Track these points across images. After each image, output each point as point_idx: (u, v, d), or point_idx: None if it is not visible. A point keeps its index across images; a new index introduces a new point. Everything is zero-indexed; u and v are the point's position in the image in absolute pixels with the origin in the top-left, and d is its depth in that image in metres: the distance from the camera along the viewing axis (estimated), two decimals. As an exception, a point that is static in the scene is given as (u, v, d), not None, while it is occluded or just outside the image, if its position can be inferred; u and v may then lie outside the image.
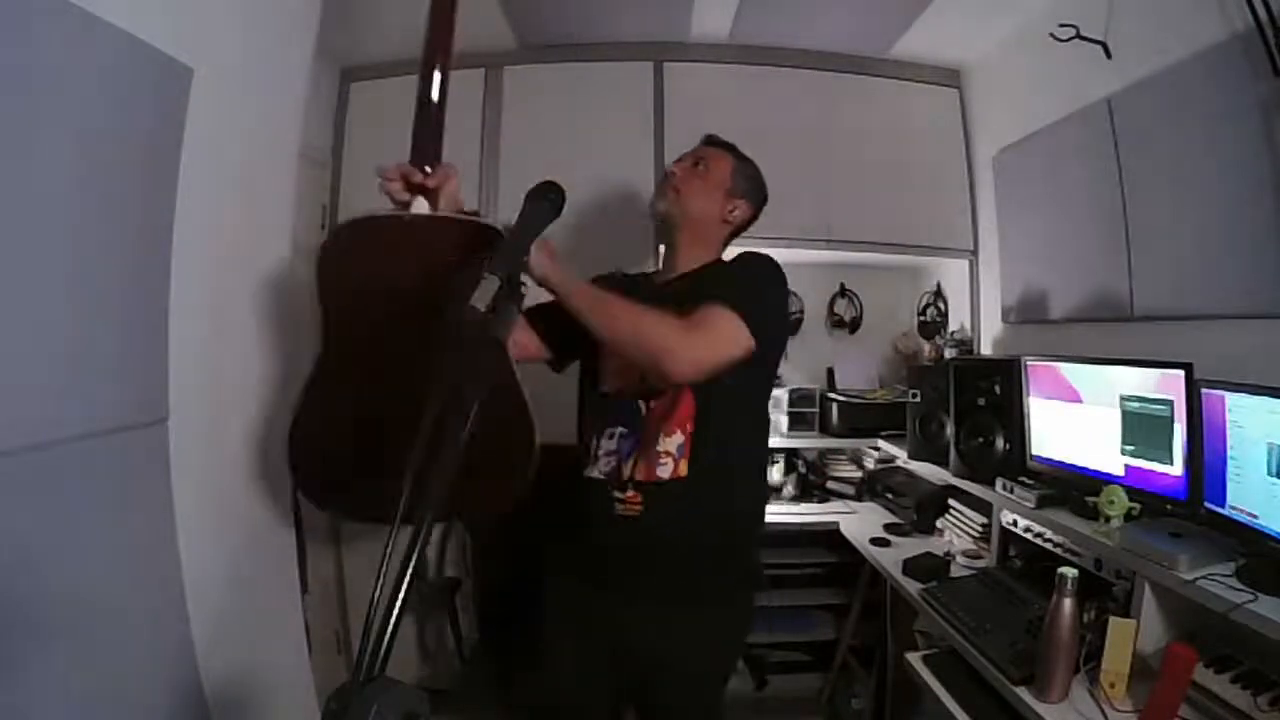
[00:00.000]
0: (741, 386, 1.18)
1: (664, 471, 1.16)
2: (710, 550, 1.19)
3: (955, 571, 1.83)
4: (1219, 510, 1.27)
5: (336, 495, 1.14)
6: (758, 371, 1.20)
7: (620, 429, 1.21)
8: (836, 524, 2.33)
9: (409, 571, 0.53)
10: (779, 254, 2.63)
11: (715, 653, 1.26)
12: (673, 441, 1.17)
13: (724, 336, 1.09)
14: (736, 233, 1.35)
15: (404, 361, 1.02)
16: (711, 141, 1.36)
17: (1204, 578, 1.16)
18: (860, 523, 2.32)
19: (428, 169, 1.05)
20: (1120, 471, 1.52)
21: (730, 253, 1.33)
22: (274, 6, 1.20)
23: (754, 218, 1.36)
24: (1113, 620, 1.24)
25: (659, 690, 1.24)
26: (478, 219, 1.07)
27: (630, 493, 1.16)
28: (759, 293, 1.18)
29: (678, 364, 1.07)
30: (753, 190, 1.34)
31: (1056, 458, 1.70)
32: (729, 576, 1.24)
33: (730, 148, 1.35)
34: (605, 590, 1.21)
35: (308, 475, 1.12)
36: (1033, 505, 1.62)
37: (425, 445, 0.67)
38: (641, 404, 1.20)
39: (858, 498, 2.56)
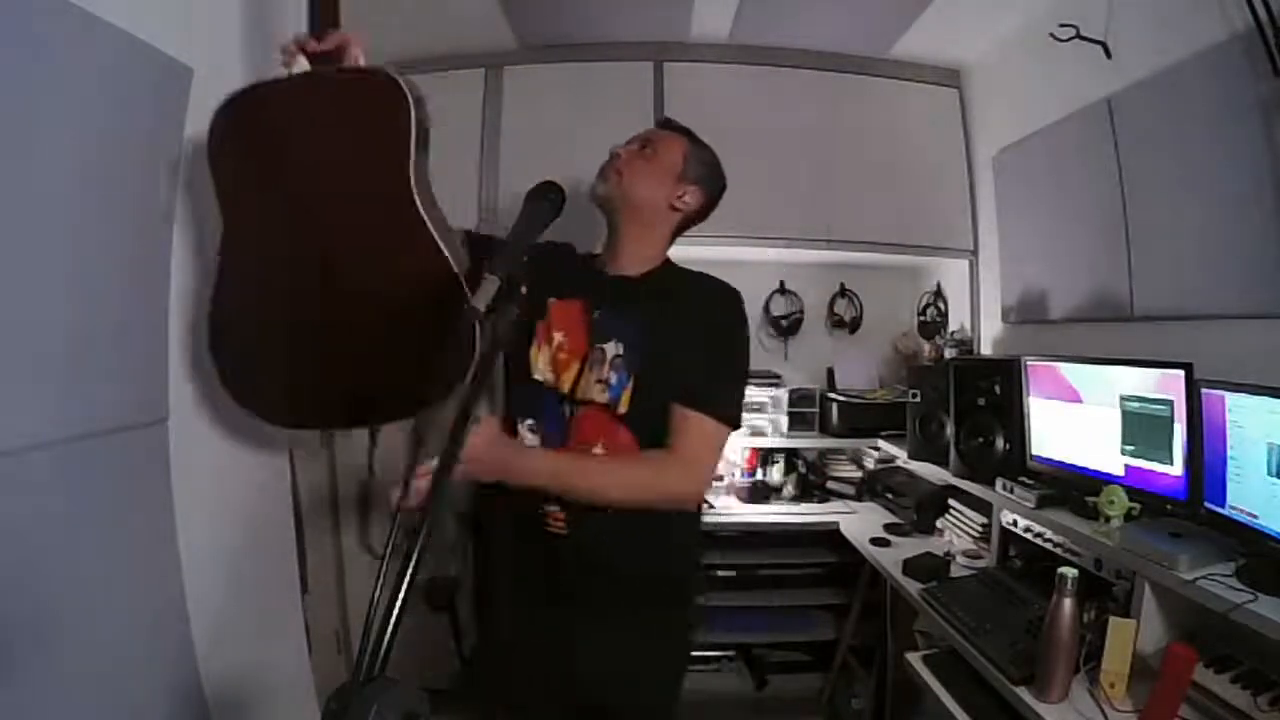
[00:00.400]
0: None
1: None
2: (643, 579, 1.14)
3: (955, 571, 1.83)
4: (1219, 510, 1.27)
5: (254, 394, 1.05)
6: None
7: (542, 425, 1.15)
8: (836, 524, 2.33)
9: (409, 571, 0.53)
10: (779, 254, 2.67)
11: (656, 669, 1.20)
12: None
13: (710, 449, 1.11)
14: (688, 223, 1.24)
15: (301, 236, 0.94)
16: (664, 124, 1.26)
17: (1204, 578, 1.16)
18: (860, 523, 2.32)
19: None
20: (1120, 471, 1.51)
21: (688, 255, 1.26)
22: (274, 6, 1.20)
23: (708, 207, 1.25)
24: (1113, 620, 1.24)
25: (606, 704, 1.18)
26: (362, 68, 0.98)
27: (555, 508, 1.11)
28: (733, 374, 1.15)
29: (684, 500, 1.14)
30: (707, 177, 1.22)
31: (1056, 458, 1.70)
32: (663, 599, 1.19)
33: (685, 131, 1.24)
34: (540, 604, 1.17)
35: (228, 372, 1.03)
36: (1033, 505, 1.62)
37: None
38: (567, 407, 1.13)
39: (858, 498, 2.55)
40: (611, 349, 1.11)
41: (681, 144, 1.22)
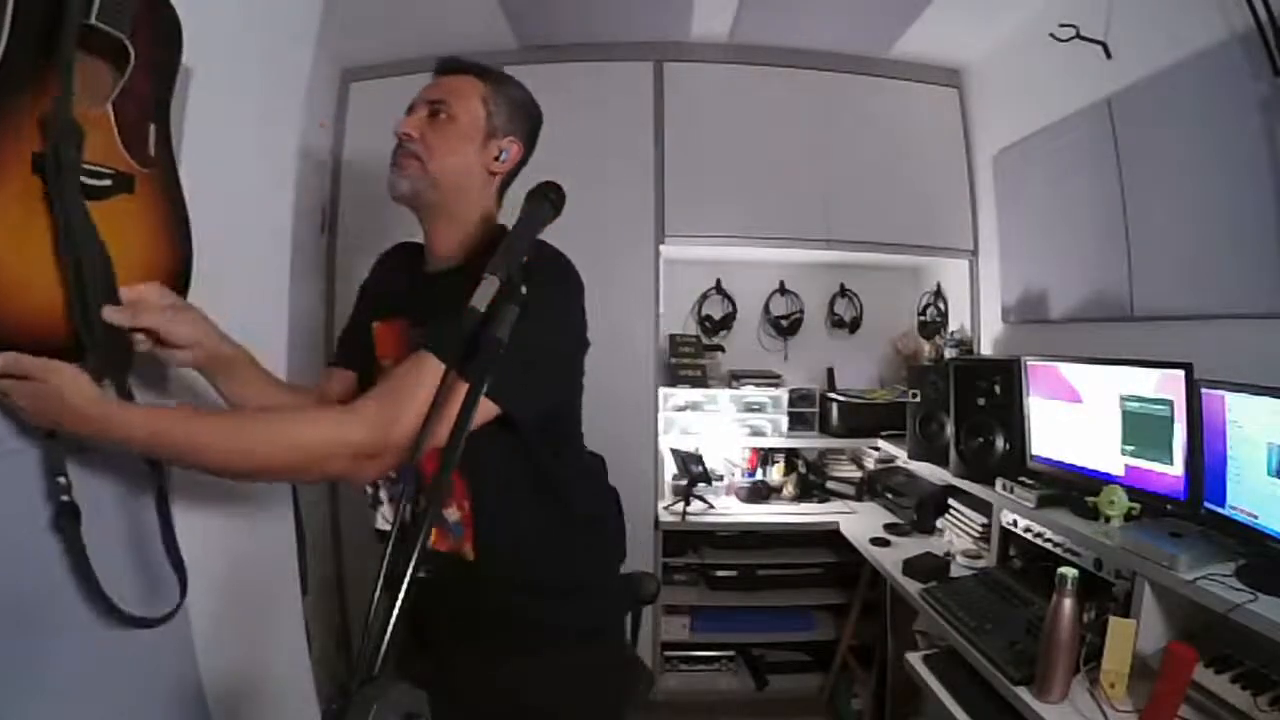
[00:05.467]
0: (512, 452, 0.91)
1: (442, 544, 0.96)
2: (514, 623, 0.98)
3: (955, 571, 1.83)
4: (1219, 510, 1.27)
5: None
6: (535, 430, 0.90)
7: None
8: (836, 524, 2.34)
9: (409, 571, 0.53)
10: (779, 254, 2.67)
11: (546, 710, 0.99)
12: (449, 515, 0.95)
13: (418, 402, 0.74)
14: (513, 176, 1.03)
15: None
16: (447, 68, 0.99)
17: (1204, 578, 1.16)
18: (860, 523, 2.32)
19: None
20: (1120, 471, 1.52)
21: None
22: (274, 6, 1.20)
23: (530, 150, 1.04)
24: (1113, 620, 1.24)
25: None
26: None
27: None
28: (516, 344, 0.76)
29: (344, 466, 0.77)
30: (518, 118, 1.00)
31: (1056, 458, 1.70)
32: (546, 633, 0.99)
33: (476, 70, 0.98)
34: (427, 644, 1.02)
35: None
36: (1033, 505, 1.62)
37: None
38: None
39: (858, 498, 2.56)
40: None
41: (476, 89, 0.97)
